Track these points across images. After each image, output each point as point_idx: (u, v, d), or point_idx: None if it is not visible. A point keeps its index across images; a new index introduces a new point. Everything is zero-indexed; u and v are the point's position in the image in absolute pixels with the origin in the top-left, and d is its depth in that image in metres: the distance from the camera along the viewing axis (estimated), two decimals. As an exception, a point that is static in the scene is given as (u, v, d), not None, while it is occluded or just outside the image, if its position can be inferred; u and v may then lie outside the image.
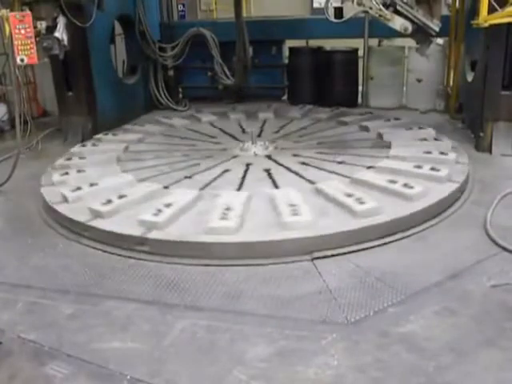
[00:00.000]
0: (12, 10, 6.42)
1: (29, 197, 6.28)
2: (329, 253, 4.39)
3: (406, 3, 7.13)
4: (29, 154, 7.83)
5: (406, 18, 7.06)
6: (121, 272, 4.46)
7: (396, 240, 4.70)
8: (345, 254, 4.45)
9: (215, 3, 14.15)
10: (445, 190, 5.31)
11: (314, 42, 10.87)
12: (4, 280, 4.52)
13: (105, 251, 4.79)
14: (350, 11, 7.17)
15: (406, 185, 5.20)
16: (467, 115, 8.37)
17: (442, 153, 6.17)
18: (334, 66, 10.24)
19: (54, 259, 4.79)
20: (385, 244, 4.63)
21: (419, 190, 5.12)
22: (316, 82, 10.34)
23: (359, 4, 7.05)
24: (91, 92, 8.55)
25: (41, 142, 8.44)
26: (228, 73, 10.05)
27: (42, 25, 6.95)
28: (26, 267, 4.71)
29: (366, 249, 4.54)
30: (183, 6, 13.21)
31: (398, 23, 7.08)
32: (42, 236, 5.30)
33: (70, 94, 8.56)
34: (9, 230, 5.55)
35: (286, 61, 10.83)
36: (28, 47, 6.28)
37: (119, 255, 4.70)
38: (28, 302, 4.14)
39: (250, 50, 9.78)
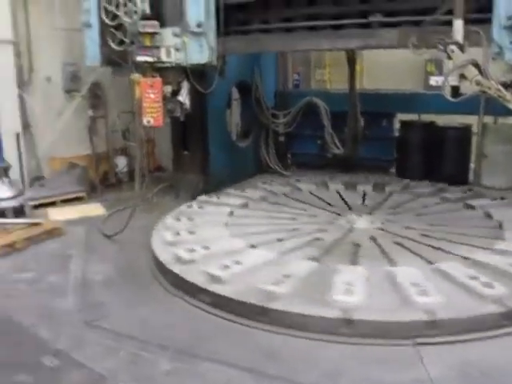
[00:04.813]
0: (144, 75, 6.98)
1: (141, 248, 6.62)
2: (433, 340, 4.23)
3: (528, 85, 6.94)
4: (143, 207, 8.28)
5: (526, 99, 6.86)
6: (221, 335, 4.54)
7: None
8: (450, 343, 4.26)
9: (329, 73, 14.53)
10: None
11: (426, 117, 10.79)
12: (110, 327, 4.75)
13: (208, 312, 4.92)
14: (467, 90, 7.08)
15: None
16: None
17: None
18: (445, 141, 10.07)
19: (158, 314, 4.98)
20: (496, 337, 4.38)
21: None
22: (426, 157, 10.20)
23: (477, 84, 6.95)
24: (205, 153, 9.00)
25: (154, 195, 8.93)
26: (338, 142, 10.18)
27: (168, 89, 7.45)
28: (130, 318, 4.93)
29: (474, 340, 4.32)
30: (298, 75, 13.67)
31: (517, 105, 6.89)
32: (149, 289, 5.55)
33: (186, 153, 9.06)
34: (119, 279, 5.87)
35: (396, 133, 10.81)
36: (155, 110, 6.79)
37: (222, 318, 4.80)
38: (130, 353, 4.31)
39: (361, 121, 9.88)
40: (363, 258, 5.89)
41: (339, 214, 7.53)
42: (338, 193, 8.93)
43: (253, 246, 6.11)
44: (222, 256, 5.64)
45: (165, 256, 5.88)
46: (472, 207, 7.95)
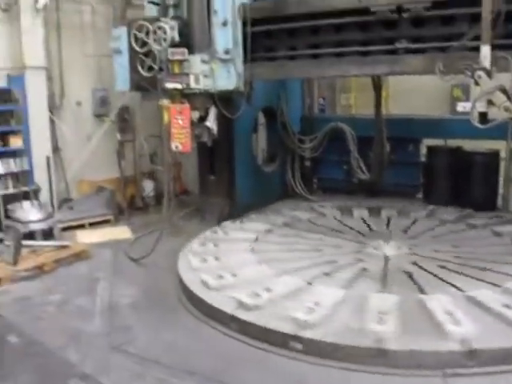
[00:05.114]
0: (173, 101, 7.09)
1: (167, 272, 6.66)
2: (464, 371, 4.13)
3: (557, 111, 6.87)
4: (169, 230, 8.30)
5: (556, 126, 6.80)
6: (247, 363, 4.52)
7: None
8: (482, 374, 4.15)
9: (354, 98, 14.57)
10: None
11: (452, 142, 10.72)
12: (136, 352, 4.77)
13: (233, 337, 4.90)
14: (495, 116, 7.04)
15: None
16: None
17: None
18: (473, 167, 9.96)
19: (185, 339, 4.99)
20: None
21: None
22: (453, 183, 10.10)
23: (506, 110, 6.90)
24: (232, 177, 9.07)
25: (180, 219, 8.99)
26: (364, 167, 10.16)
27: (196, 114, 7.53)
28: (156, 342, 4.95)
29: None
30: (323, 99, 13.72)
31: (547, 131, 6.83)
32: (176, 313, 5.57)
33: (212, 177, 9.14)
34: (146, 302, 5.92)
35: (423, 158, 10.75)
36: (183, 136, 6.88)
37: (248, 344, 4.77)
38: (156, 378, 4.32)
39: (388, 147, 9.85)
40: (427, 286, 5.73)
41: (362, 243, 7.39)
42: (336, 219, 8.88)
43: (309, 283, 5.78)
44: (290, 297, 5.35)
45: (223, 303, 5.31)
46: (475, 226, 8.16)
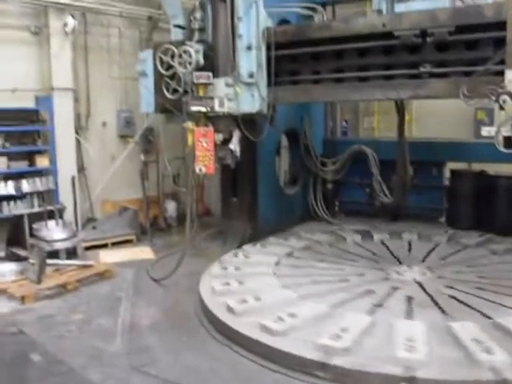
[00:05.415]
0: (197, 124, 7.16)
1: (187, 293, 6.67)
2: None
3: None
4: (191, 252, 8.32)
5: None
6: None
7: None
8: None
9: (377, 121, 14.52)
10: None
11: (476, 166, 10.63)
12: (157, 373, 4.76)
13: (253, 361, 4.86)
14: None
15: None
16: None
17: None
18: (497, 191, 9.86)
19: (206, 361, 4.96)
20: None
21: None
22: (477, 207, 10.00)
23: (531, 134, 6.84)
24: (254, 200, 9.09)
25: (202, 240, 9.02)
26: (386, 191, 10.10)
27: (219, 137, 7.55)
28: (178, 364, 4.93)
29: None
30: (346, 122, 13.71)
31: None
32: (197, 335, 5.55)
33: (235, 199, 9.17)
34: (166, 324, 5.91)
35: (446, 182, 10.67)
36: (207, 158, 6.93)
37: (268, 369, 4.72)
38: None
39: (411, 170, 9.80)
40: (486, 309, 5.61)
41: (381, 269, 7.22)
42: (332, 245, 8.78)
43: (373, 317, 5.39)
44: (371, 335, 4.95)
45: (303, 350, 4.71)
46: (468, 246, 8.48)
